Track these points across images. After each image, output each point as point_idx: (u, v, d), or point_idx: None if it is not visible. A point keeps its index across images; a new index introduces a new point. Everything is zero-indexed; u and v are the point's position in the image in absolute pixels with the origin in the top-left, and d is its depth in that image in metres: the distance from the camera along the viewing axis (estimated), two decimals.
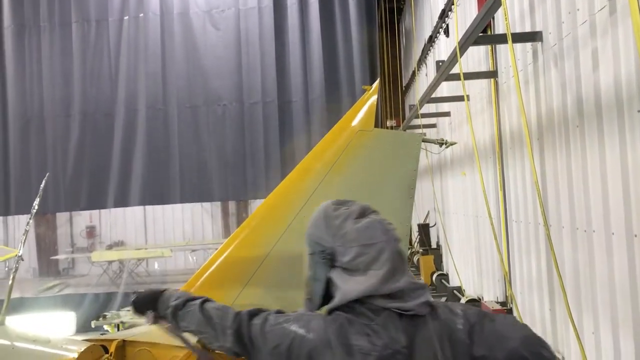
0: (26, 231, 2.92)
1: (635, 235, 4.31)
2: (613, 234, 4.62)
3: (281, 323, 1.91)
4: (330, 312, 1.89)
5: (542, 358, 1.84)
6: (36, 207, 2.86)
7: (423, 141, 2.81)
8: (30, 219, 2.92)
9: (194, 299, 2.19)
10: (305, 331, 1.83)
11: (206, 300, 2.16)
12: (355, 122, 2.88)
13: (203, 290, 2.82)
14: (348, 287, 1.83)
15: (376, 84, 2.93)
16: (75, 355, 2.94)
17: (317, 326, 1.84)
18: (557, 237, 5.57)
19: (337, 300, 1.86)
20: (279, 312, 2.00)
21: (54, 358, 2.93)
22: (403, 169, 2.78)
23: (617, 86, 4.47)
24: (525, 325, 1.96)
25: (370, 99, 2.90)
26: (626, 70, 4.30)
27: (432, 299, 1.90)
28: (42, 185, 2.96)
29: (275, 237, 2.73)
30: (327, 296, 1.93)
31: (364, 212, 1.93)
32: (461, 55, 6.71)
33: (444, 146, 2.84)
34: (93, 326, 9.09)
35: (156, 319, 2.32)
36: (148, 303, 2.31)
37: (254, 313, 2.00)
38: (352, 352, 1.76)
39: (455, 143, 3.04)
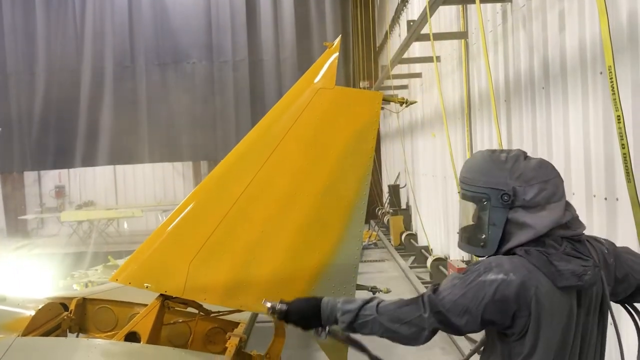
0: None
1: (594, 196, 4.40)
2: (574, 194, 4.71)
3: (474, 279, 1.91)
4: (508, 252, 1.97)
5: None
6: None
7: (383, 99, 2.79)
8: None
9: (363, 305, 2.09)
10: (504, 275, 1.88)
11: (378, 304, 2.07)
12: (316, 80, 2.84)
13: (162, 249, 2.80)
14: (537, 221, 1.93)
15: (337, 40, 2.88)
16: (33, 312, 2.92)
17: (513, 266, 1.89)
18: None
19: (526, 236, 1.94)
20: (454, 274, 1.98)
21: (10, 316, 2.90)
22: (363, 127, 2.77)
23: (581, 48, 4.48)
24: None
25: (331, 56, 2.86)
26: (591, 32, 4.31)
27: None
28: None
29: (232, 199, 2.72)
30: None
31: (525, 153, 2.04)
32: (431, 14, 6.65)
33: (404, 105, 2.83)
34: (61, 285, 9.03)
35: (328, 334, 2.21)
36: (310, 319, 2.21)
37: (434, 289, 1.99)
38: (563, 277, 1.87)
39: (415, 102, 3.02)
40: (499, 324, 1.93)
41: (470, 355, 2.53)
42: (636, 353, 2.10)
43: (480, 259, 2.01)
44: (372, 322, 2.06)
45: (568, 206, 1.99)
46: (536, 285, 1.87)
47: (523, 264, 1.90)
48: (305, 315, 2.22)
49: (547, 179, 1.96)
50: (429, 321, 1.96)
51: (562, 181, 2.00)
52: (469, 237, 2.08)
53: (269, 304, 2.26)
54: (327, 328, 2.21)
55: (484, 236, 2.01)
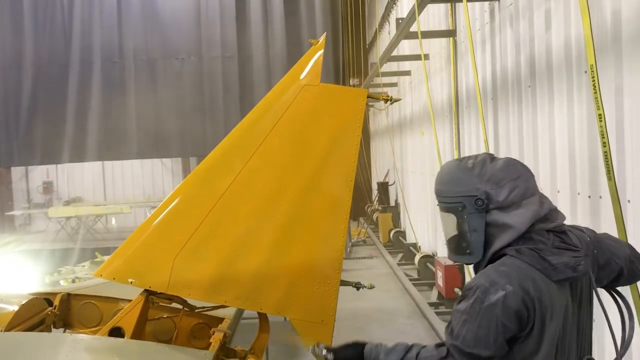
0: None
1: (579, 194, 4.44)
2: (559, 192, 4.75)
3: (480, 307, 1.89)
4: (496, 254, 1.97)
5: None
6: None
7: (368, 96, 2.80)
8: None
9: (405, 353, 2.05)
10: (502, 290, 1.86)
11: (418, 354, 2.02)
12: (301, 77, 2.85)
13: (146, 244, 2.80)
14: (517, 220, 1.94)
15: (322, 37, 2.89)
16: (16, 307, 2.91)
17: (504, 276, 1.88)
18: None
19: (508, 236, 1.94)
20: (458, 309, 1.94)
21: None
22: (348, 123, 2.78)
23: (567, 47, 4.52)
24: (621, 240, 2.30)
25: (316, 54, 2.86)
26: (576, 31, 4.35)
27: None
28: None
29: (217, 194, 2.72)
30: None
31: (491, 156, 2.06)
32: (420, 12, 6.68)
33: (388, 102, 2.84)
34: (47, 282, 8.99)
35: None
36: None
37: (450, 333, 1.95)
38: (557, 271, 1.89)
39: (399, 99, 3.03)
40: (518, 334, 1.91)
41: None
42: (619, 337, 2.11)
43: (468, 280, 1.95)
44: None
45: (543, 198, 2.01)
46: (532, 283, 1.87)
47: (513, 266, 1.91)
48: (348, 357, 2.20)
49: (517, 176, 1.98)
50: None
51: (532, 176, 2.02)
52: (455, 247, 2.10)
53: (319, 351, 2.27)
54: None
55: (468, 244, 2.02)
